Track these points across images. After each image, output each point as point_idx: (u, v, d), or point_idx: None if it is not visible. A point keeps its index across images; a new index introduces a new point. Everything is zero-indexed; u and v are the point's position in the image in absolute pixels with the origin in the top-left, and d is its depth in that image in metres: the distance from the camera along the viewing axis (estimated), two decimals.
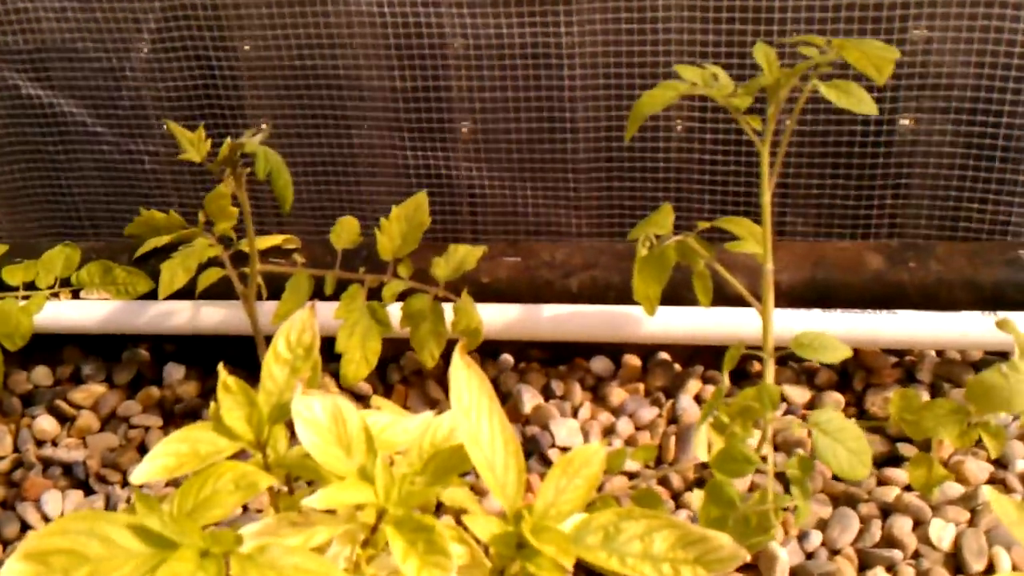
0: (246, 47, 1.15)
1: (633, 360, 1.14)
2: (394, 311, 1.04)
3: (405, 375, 1.17)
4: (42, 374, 1.21)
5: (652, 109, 0.76)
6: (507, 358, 1.16)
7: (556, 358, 1.16)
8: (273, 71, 1.16)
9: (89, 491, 1.05)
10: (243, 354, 1.21)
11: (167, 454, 0.69)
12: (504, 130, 1.15)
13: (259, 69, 1.16)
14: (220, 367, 0.73)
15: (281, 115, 1.19)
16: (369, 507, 0.70)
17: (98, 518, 0.58)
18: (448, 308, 1.04)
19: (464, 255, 1.04)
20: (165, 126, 1.24)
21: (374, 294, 1.05)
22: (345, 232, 1.08)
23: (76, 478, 1.06)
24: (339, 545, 0.70)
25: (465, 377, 0.71)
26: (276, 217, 1.27)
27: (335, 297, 1.06)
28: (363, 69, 1.12)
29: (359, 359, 1.01)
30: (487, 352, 1.16)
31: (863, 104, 0.76)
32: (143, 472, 0.67)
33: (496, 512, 0.71)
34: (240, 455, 0.72)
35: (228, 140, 0.99)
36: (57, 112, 1.24)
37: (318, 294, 1.07)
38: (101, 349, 1.24)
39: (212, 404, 0.76)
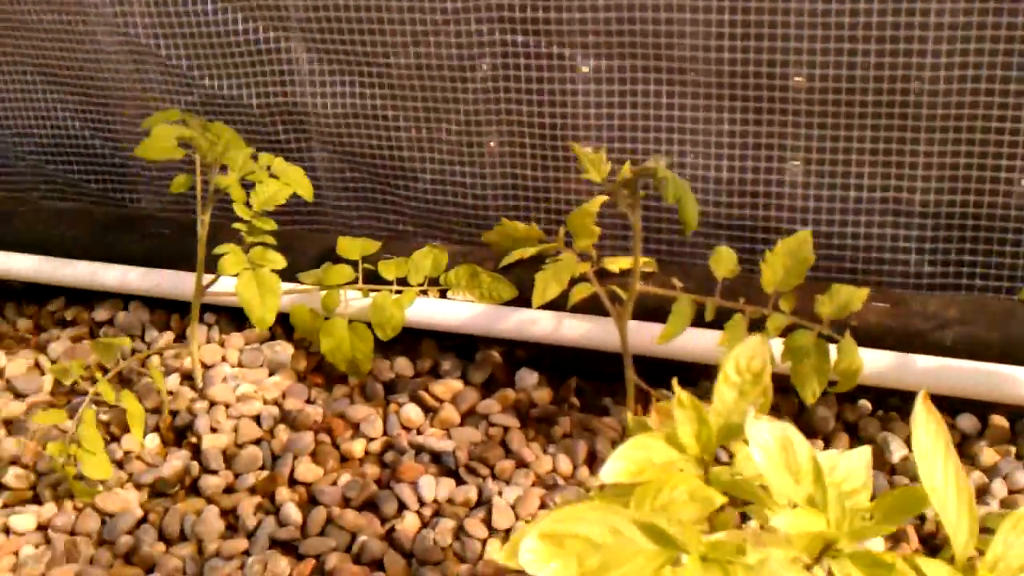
0: (584, 69, 1.22)
1: (1001, 421, 1.10)
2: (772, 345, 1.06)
3: None
4: (403, 364, 1.29)
5: None
6: (864, 403, 1.15)
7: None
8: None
9: (460, 481, 1.11)
10: (591, 367, 1.26)
11: (627, 458, 0.73)
12: (844, 173, 1.16)
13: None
14: (674, 382, 0.76)
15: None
16: (813, 537, 0.71)
17: (607, 510, 0.62)
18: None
19: (849, 296, 1.04)
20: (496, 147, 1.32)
21: (753, 325, 1.06)
22: (724, 261, 1.10)
23: (445, 467, 1.13)
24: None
25: (925, 422, 0.72)
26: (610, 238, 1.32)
27: (713, 324, 1.08)
28: (701, 99, 1.17)
29: None
30: (845, 396, 1.15)
31: None
32: (611, 472, 0.71)
33: None
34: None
35: (627, 163, 1.04)
36: (397, 128, 1.34)
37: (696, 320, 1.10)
38: (455, 347, 1.31)
39: (628, 414, 0.80)
